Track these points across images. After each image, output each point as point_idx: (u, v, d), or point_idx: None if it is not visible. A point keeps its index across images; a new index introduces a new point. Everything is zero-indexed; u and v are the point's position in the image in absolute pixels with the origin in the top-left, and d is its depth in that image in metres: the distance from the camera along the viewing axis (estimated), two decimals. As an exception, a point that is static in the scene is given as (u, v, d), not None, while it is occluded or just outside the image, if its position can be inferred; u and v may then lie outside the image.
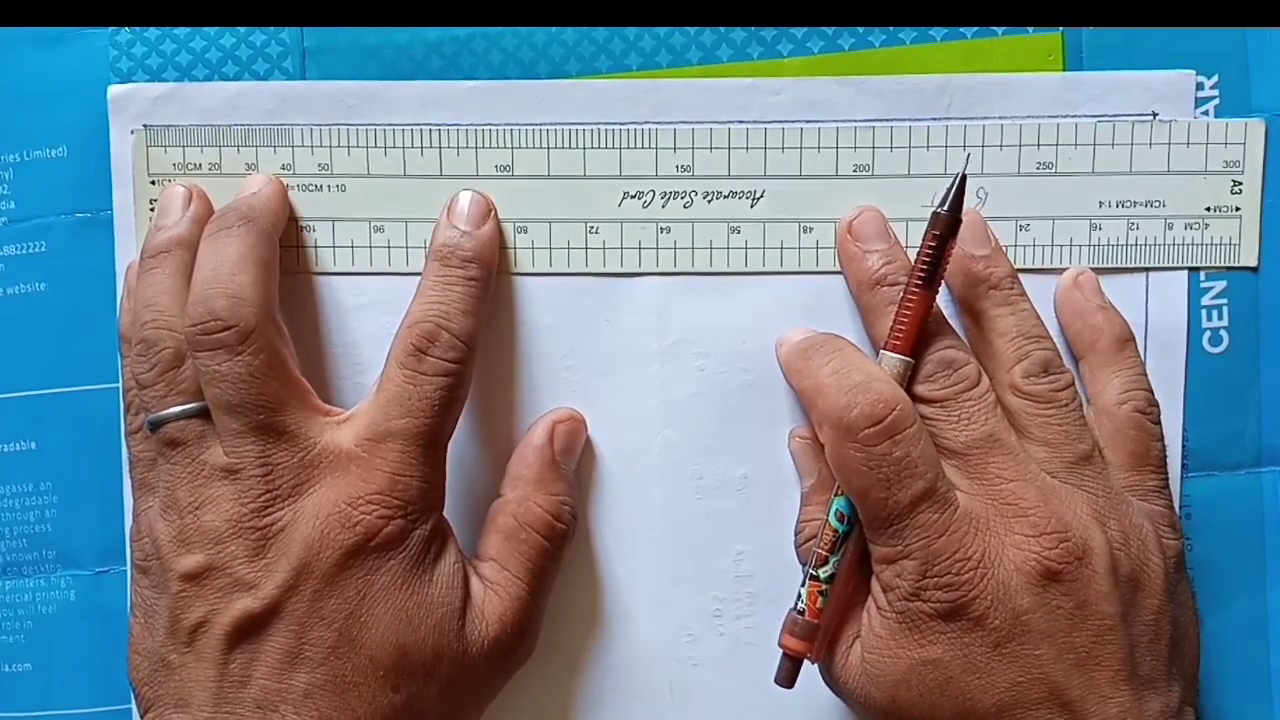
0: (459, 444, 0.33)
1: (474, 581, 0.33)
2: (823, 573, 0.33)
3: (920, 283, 0.32)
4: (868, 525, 0.32)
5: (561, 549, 0.35)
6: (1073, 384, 0.33)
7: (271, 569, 0.30)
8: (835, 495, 0.33)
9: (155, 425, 0.32)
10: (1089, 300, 0.35)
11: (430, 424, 0.31)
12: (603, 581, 0.37)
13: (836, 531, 0.33)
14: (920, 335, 0.32)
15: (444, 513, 0.33)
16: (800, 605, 0.33)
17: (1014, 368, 0.33)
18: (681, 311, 0.36)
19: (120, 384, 0.36)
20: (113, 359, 0.36)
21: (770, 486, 0.36)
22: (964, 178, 0.32)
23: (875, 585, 0.32)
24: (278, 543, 0.30)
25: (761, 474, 0.36)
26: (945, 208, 0.32)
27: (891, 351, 0.33)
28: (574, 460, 0.36)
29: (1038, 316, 0.34)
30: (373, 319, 0.36)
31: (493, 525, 0.34)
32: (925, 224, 0.33)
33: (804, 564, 0.35)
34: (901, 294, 0.33)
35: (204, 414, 0.32)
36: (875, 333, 0.34)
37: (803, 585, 0.33)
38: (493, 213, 0.35)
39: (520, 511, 0.34)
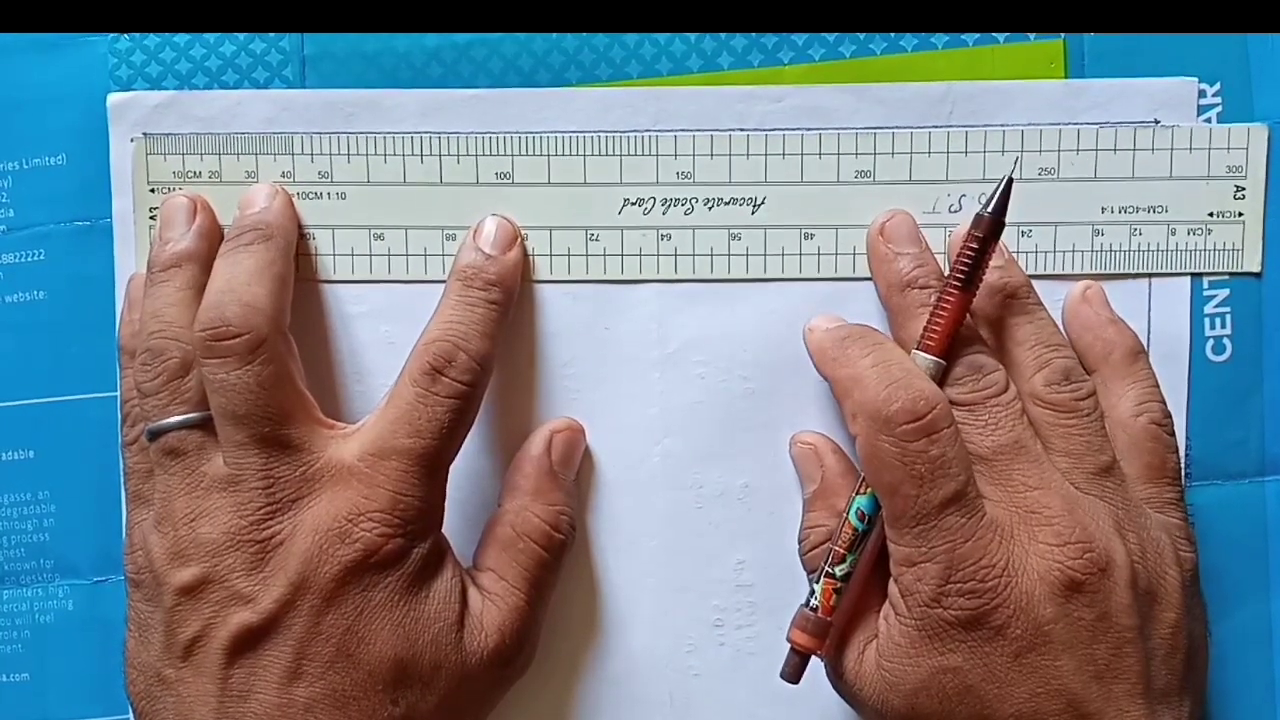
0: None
1: (472, 592, 0.33)
2: (839, 570, 0.32)
3: (958, 283, 0.32)
4: (892, 523, 0.31)
5: (559, 559, 0.34)
6: (1094, 393, 0.33)
7: (269, 582, 0.30)
8: (858, 493, 0.32)
9: (155, 435, 0.32)
10: (1099, 314, 0.35)
11: (436, 445, 0.31)
12: (602, 591, 0.36)
13: (856, 530, 0.32)
14: (954, 337, 0.32)
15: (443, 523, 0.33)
16: (814, 602, 0.32)
17: (1034, 376, 0.33)
18: (682, 319, 0.36)
19: (118, 393, 0.36)
20: (112, 367, 0.36)
21: (771, 495, 0.36)
22: (1010, 181, 0.32)
23: (893, 590, 0.32)
24: (276, 556, 0.30)
25: (762, 483, 0.36)
26: (989, 210, 0.32)
27: (924, 352, 0.32)
28: (572, 470, 0.36)
29: (1055, 325, 0.34)
30: (372, 327, 0.36)
31: (491, 535, 0.34)
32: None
33: (809, 571, 0.35)
34: (935, 296, 0.33)
35: (205, 425, 0.32)
36: (903, 335, 0.34)
37: (816, 582, 0.32)
38: (519, 240, 0.35)
39: (518, 522, 0.34)
